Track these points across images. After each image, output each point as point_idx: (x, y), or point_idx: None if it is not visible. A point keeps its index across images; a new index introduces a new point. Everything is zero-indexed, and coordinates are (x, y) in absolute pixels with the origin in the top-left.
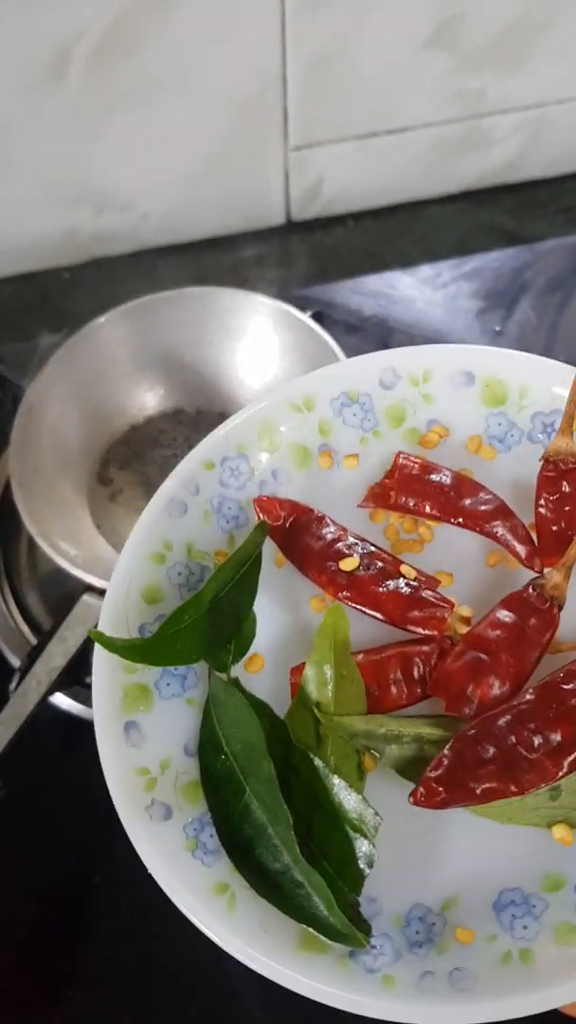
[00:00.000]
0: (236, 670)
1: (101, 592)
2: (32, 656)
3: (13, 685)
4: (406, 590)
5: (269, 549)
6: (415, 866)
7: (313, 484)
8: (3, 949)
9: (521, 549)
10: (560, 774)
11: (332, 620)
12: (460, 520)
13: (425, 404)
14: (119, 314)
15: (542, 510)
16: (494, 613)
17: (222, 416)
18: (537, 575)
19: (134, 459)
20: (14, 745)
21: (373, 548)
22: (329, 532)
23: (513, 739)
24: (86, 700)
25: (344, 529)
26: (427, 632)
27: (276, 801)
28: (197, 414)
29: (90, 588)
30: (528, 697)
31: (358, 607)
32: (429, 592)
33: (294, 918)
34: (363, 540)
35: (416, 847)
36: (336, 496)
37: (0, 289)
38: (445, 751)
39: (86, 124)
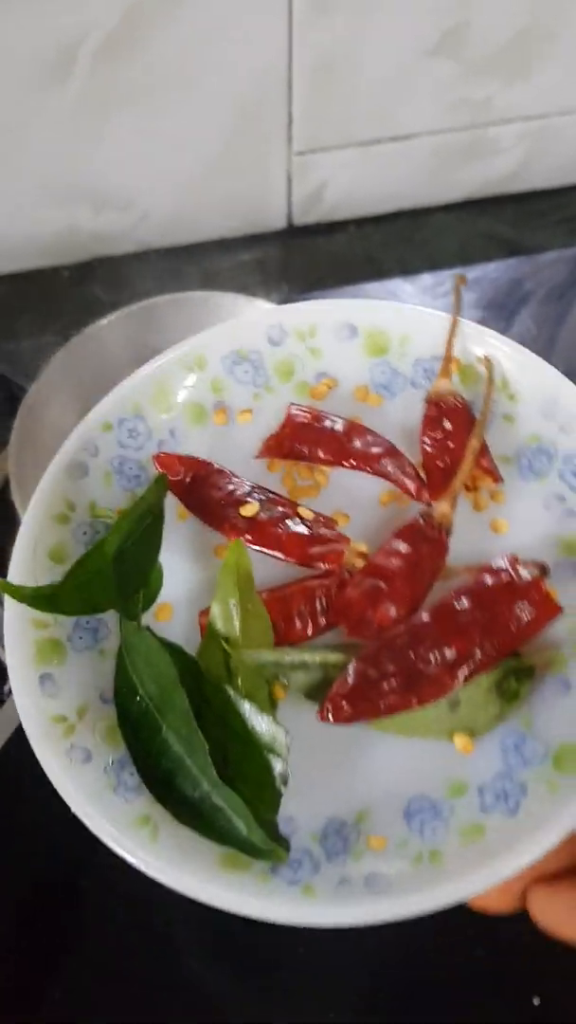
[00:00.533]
0: (146, 619)
1: None
2: None
3: (7, 687)
4: (305, 530)
5: (172, 503)
6: (328, 783)
7: (210, 441)
8: None
9: (410, 484)
10: (456, 685)
11: (234, 557)
12: (352, 462)
13: (313, 358)
14: (122, 316)
15: (427, 448)
16: (389, 543)
17: None
18: (427, 506)
19: None
20: (8, 747)
21: (272, 495)
22: (228, 483)
23: (412, 656)
24: None
25: (243, 480)
26: (327, 567)
27: (192, 732)
28: None
29: None
30: (424, 618)
31: (260, 549)
32: (327, 530)
33: (216, 841)
34: (262, 488)
35: (328, 766)
36: (233, 451)
37: None
38: (349, 670)
39: (89, 123)
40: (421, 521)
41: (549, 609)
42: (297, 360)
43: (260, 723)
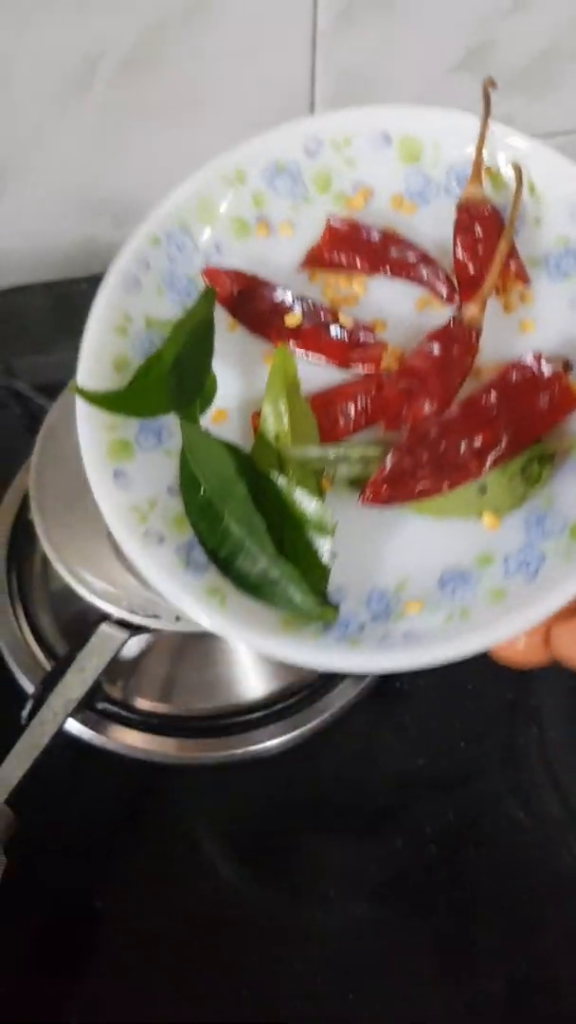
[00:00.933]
0: (204, 423)
1: (119, 622)
2: (46, 684)
3: (26, 712)
4: (345, 336)
5: (221, 316)
6: (371, 559)
7: (255, 254)
8: (4, 970)
9: (443, 289)
10: (484, 470)
11: (281, 361)
12: (388, 270)
13: (348, 168)
14: None
15: (459, 255)
16: (422, 345)
17: None
18: (458, 310)
19: None
20: (29, 776)
21: (314, 304)
22: (273, 295)
23: (443, 445)
24: (96, 725)
25: (286, 291)
26: (366, 370)
27: (250, 514)
28: None
29: (107, 618)
30: (454, 411)
31: (305, 354)
32: (365, 336)
33: (276, 607)
34: (305, 299)
35: (370, 544)
36: (277, 264)
37: (15, 298)
38: (387, 460)
39: (109, 136)
40: (452, 324)
41: (569, 401)
42: (334, 171)
43: (309, 506)
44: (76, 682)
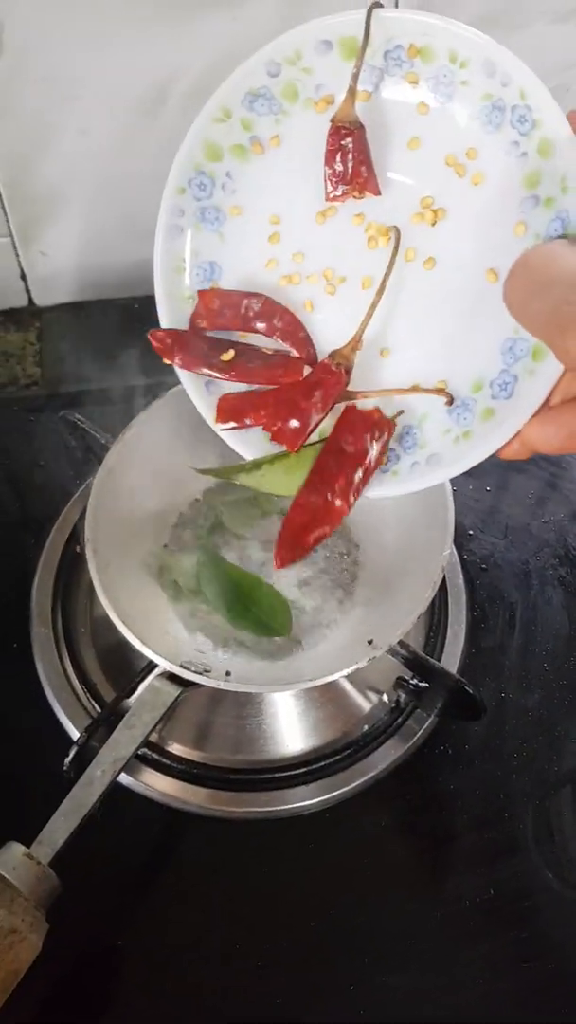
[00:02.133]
0: None
1: (168, 675)
2: (90, 731)
3: (68, 759)
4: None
5: None
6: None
7: (259, 171)
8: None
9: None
10: (350, 504)
11: None
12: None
13: (307, 76)
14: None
15: (334, 166)
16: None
17: None
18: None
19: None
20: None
21: (245, 346)
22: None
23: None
24: (131, 771)
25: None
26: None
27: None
28: None
29: (154, 668)
30: (314, 479)
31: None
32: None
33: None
34: (236, 343)
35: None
36: (277, 174)
37: (66, 317)
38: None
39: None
40: (329, 360)
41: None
42: (297, 82)
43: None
44: (125, 739)
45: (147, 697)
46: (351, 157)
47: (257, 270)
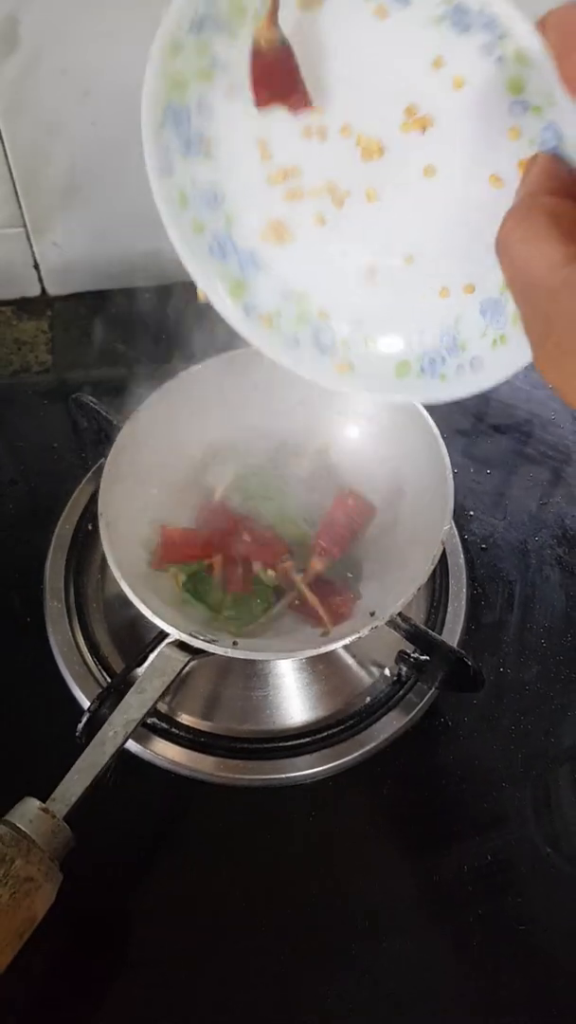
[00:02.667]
0: None
1: (178, 643)
2: (102, 699)
3: (80, 726)
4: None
5: None
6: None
7: (222, 97)
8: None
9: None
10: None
11: None
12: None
13: None
14: (213, 363)
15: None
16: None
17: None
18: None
19: None
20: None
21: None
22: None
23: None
24: (141, 739)
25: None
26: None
27: None
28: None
29: (165, 638)
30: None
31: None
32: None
33: None
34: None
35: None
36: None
37: (78, 307)
38: None
39: None
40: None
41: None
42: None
43: None
44: (136, 703)
45: (157, 664)
46: (275, 78)
47: (259, 189)
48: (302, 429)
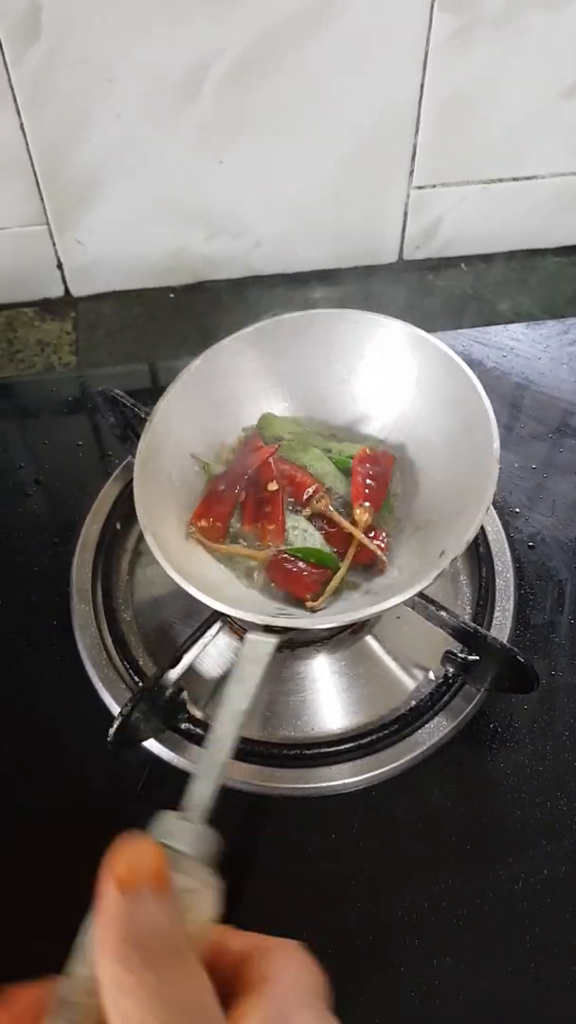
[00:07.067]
0: None
1: (266, 628)
2: (134, 703)
3: (112, 730)
4: None
5: None
6: None
7: None
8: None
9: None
10: None
11: None
12: None
13: None
14: (244, 334)
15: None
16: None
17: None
18: None
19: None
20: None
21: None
22: None
23: None
24: (174, 746)
25: None
26: None
27: None
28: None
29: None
30: None
31: None
32: None
33: None
34: None
35: None
36: None
37: (102, 307)
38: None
39: (211, 145)
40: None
41: None
42: None
43: None
44: (238, 693)
45: (248, 652)
46: None
47: None
48: (343, 398)
